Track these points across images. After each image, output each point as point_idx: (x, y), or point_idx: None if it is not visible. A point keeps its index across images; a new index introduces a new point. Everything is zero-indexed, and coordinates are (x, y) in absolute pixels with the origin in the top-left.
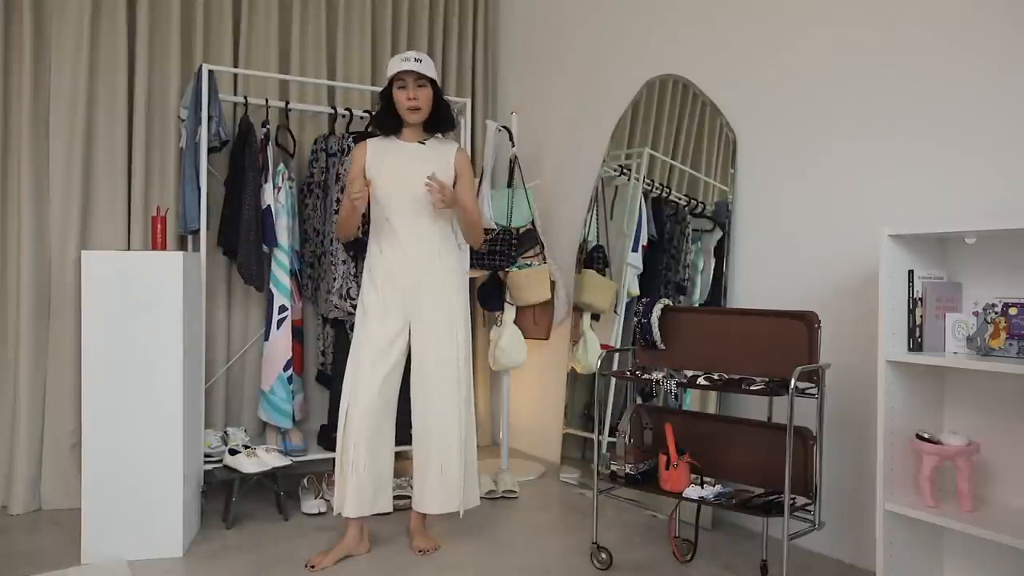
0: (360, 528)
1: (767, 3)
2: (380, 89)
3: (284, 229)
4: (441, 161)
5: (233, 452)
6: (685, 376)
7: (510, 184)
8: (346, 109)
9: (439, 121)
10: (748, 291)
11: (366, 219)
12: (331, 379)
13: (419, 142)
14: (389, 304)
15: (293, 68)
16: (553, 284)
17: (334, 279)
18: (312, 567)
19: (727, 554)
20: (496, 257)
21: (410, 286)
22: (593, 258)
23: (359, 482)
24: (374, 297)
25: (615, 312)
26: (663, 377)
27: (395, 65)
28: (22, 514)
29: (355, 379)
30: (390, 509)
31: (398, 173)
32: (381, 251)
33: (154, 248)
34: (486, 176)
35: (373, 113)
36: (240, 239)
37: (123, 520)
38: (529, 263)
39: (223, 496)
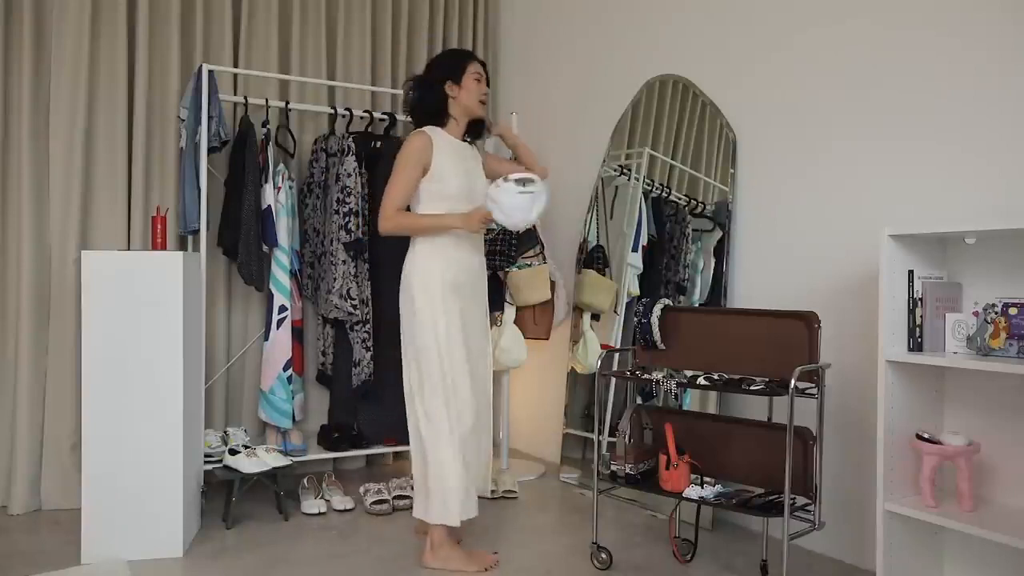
0: None
1: (767, 3)
2: (382, 88)
3: (284, 229)
4: (480, 161)
5: (233, 452)
6: (685, 376)
7: None
8: (346, 109)
9: (478, 124)
10: (748, 291)
11: (366, 219)
12: (331, 379)
13: (464, 140)
14: (463, 305)
15: (293, 68)
16: (553, 284)
17: (334, 279)
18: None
19: (727, 554)
20: (496, 257)
21: (470, 287)
22: (593, 258)
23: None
24: (451, 300)
25: (615, 312)
26: (663, 377)
27: (465, 54)
28: (22, 514)
29: (459, 396)
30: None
31: (464, 171)
32: (451, 252)
33: (154, 248)
34: None
35: (418, 99)
36: (240, 239)
37: (123, 520)
38: (529, 263)
39: (223, 496)
